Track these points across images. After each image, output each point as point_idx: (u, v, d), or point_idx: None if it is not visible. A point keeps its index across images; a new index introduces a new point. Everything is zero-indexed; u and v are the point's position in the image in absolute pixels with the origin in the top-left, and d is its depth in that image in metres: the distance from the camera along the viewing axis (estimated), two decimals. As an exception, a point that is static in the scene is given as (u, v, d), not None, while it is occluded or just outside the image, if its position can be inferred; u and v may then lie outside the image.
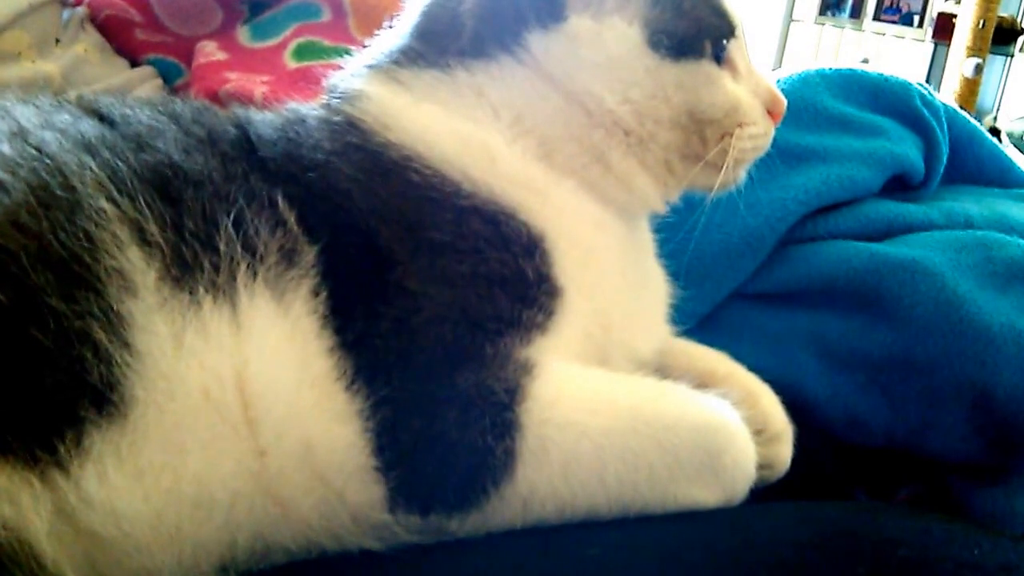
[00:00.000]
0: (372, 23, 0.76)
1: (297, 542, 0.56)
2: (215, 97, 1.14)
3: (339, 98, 0.69)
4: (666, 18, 0.68)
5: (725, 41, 0.70)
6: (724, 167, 0.71)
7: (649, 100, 0.69)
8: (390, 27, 0.74)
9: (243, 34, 1.27)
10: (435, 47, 0.70)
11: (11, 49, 1.05)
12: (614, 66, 0.68)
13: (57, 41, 1.12)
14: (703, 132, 0.71)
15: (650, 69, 0.68)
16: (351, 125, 0.65)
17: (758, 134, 0.73)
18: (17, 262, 0.49)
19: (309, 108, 0.69)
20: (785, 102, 0.75)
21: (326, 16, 1.27)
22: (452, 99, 0.68)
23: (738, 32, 0.72)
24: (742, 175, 0.75)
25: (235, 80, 1.14)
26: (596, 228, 0.68)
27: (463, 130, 0.66)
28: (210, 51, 1.21)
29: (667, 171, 0.72)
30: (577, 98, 0.68)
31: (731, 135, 0.71)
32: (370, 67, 0.71)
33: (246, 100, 1.09)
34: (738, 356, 0.79)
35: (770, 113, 0.74)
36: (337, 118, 0.66)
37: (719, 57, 0.70)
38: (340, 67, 0.74)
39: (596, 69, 0.68)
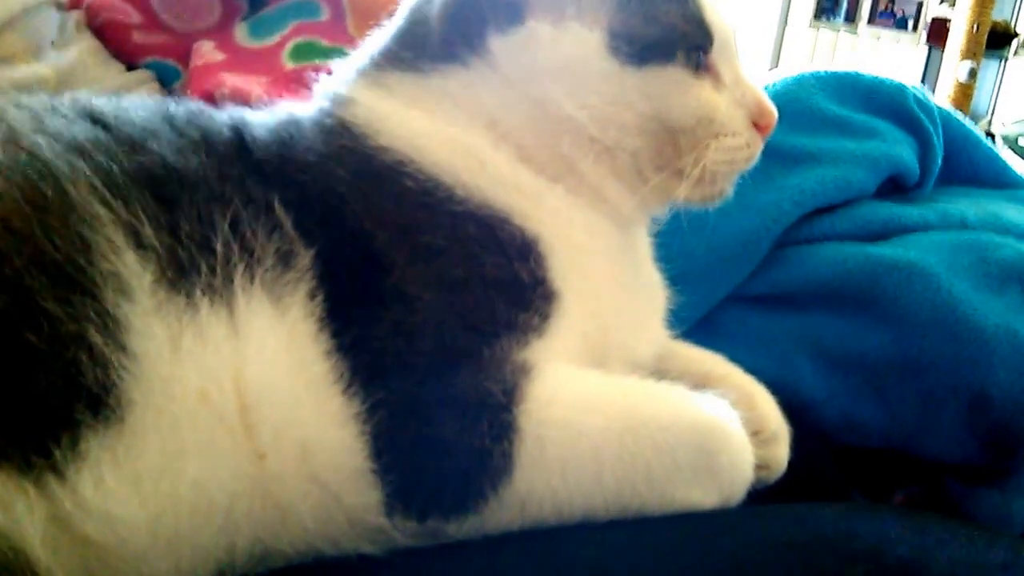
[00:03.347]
0: (370, 23, 0.76)
1: (295, 546, 0.55)
2: (211, 99, 1.13)
3: (331, 101, 0.69)
4: (631, 24, 0.66)
5: (702, 50, 0.68)
6: (694, 178, 0.68)
7: (610, 106, 0.67)
8: (380, 29, 0.74)
9: (241, 32, 1.26)
10: (413, 51, 0.70)
11: (5, 52, 1.05)
12: (571, 71, 0.67)
13: (52, 44, 1.12)
14: (676, 141, 0.69)
15: (609, 75, 0.66)
16: (344, 128, 0.65)
17: (737, 146, 0.70)
18: (10, 265, 0.49)
19: (303, 110, 0.69)
20: (776, 114, 0.72)
21: (325, 15, 1.27)
22: (433, 103, 0.68)
23: (721, 41, 0.70)
24: (727, 188, 0.73)
25: (231, 82, 1.14)
26: (590, 233, 0.68)
27: (450, 135, 0.66)
28: (207, 52, 1.21)
29: (641, 181, 0.70)
30: (540, 104, 0.67)
31: (706, 146, 0.69)
32: (359, 71, 0.71)
33: (243, 101, 1.09)
34: (734, 358, 0.79)
35: (757, 125, 0.72)
36: (330, 121, 0.66)
37: (696, 65, 0.68)
38: (335, 68, 0.74)
39: (553, 74, 0.67)
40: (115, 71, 1.20)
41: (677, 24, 0.67)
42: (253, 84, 1.14)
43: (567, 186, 0.68)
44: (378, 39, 0.73)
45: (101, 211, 0.53)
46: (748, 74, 0.73)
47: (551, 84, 0.67)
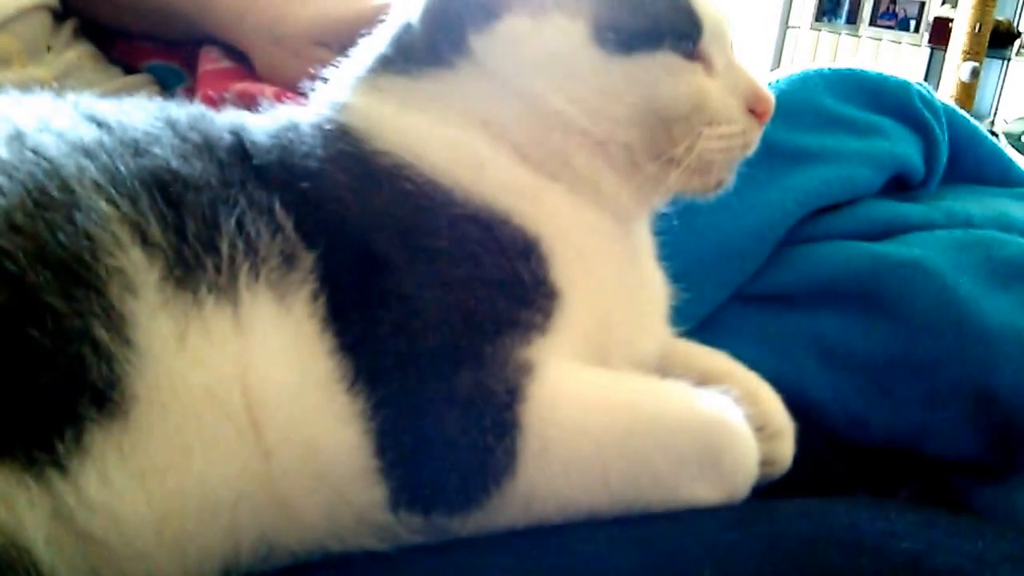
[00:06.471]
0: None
1: (301, 544, 0.55)
2: (222, 102, 1.12)
3: (329, 106, 0.69)
4: (617, 12, 0.66)
5: (691, 39, 0.68)
6: (688, 166, 0.67)
7: (599, 98, 0.66)
8: (376, 34, 0.74)
9: None
10: (404, 56, 0.70)
11: (1, 54, 1.04)
12: (556, 64, 0.66)
13: (49, 49, 1.11)
14: (670, 130, 0.68)
15: (596, 66, 0.66)
16: (342, 133, 0.65)
17: (731, 133, 0.69)
18: (15, 262, 0.49)
19: (302, 114, 0.69)
20: (772, 99, 0.71)
21: None
22: (427, 106, 0.67)
23: (712, 28, 0.69)
24: (727, 178, 0.73)
25: (240, 85, 1.13)
26: (591, 231, 0.68)
27: (446, 137, 0.65)
28: (216, 57, 1.21)
29: (636, 173, 0.69)
30: (528, 99, 0.67)
31: (699, 134, 0.67)
32: (356, 76, 0.71)
33: (251, 102, 1.07)
34: (738, 357, 0.78)
35: (754, 112, 0.71)
36: (328, 126, 0.66)
37: (686, 52, 0.67)
38: (333, 75, 0.74)
39: (537, 68, 0.66)
40: (113, 75, 1.20)
41: (664, 13, 0.66)
42: (264, 87, 1.14)
43: (566, 183, 0.68)
44: (374, 44, 0.73)
45: (107, 209, 0.53)
46: (742, 62, 0.72)
47: (537, 78, 0.66)
